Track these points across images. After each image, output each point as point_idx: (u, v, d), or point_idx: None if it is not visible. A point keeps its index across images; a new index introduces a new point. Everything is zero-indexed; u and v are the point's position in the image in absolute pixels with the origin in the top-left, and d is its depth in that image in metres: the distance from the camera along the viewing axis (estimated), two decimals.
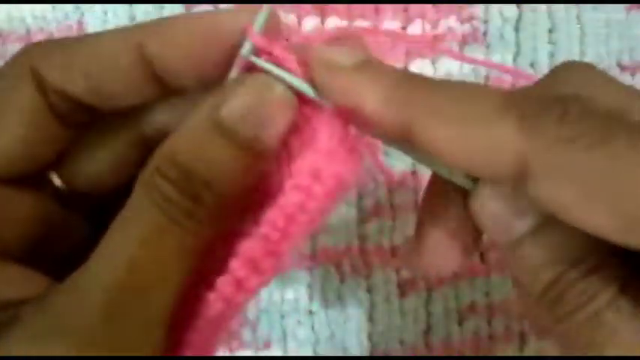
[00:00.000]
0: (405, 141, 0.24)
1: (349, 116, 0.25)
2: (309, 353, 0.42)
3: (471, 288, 0.44)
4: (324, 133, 0.26)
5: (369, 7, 0.42)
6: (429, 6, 0.42)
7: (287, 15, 0.40)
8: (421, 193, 0.44)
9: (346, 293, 0.43)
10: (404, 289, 0.43)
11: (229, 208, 0.25)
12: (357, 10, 0.42)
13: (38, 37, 0.44)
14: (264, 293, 0.42)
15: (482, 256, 0.44)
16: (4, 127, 0.26)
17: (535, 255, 0.24)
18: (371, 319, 0.43)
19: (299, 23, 0.42)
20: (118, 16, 0.44)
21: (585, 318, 0.23)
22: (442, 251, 0.27)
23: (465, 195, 0.26)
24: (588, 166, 0.20)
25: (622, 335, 0.22)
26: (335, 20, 0.42)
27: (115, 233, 0.24)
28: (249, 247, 0.26)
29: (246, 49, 0.26)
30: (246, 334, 0.42)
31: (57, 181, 0.30)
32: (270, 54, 0.26)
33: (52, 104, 0.27)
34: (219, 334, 0.27)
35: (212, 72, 0.27)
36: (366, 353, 0.42)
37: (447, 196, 0.27)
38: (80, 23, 0.44)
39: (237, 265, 0.26)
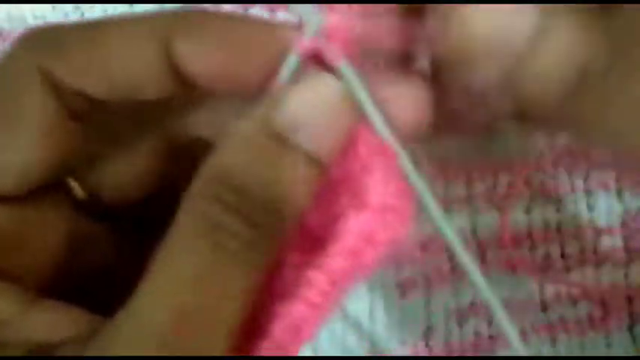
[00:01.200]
0: None
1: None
2: (308, 353, 0.42)
3: (471, 288, 0.44)
4: (379, 181, 0.23)
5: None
6: None
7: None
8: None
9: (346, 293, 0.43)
10: (404, 289, 0.43)
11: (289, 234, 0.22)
12: None
13: None
14: None
15: (482, 256, 0.44)
16: (16, 137, 0.23)
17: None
18: (371, 319, 0.43)
19: None
20: None
21: None
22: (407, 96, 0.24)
23: None
24: None
25: None
26: None
27: (162, 271, 0.21)
28: (293, 310, 0.23)
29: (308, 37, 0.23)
30: None
31: (78, 191, 0.27)
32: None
33: (67, 106, 0.24)
34: None
35: (246, 82, 0.23)
36: (366, 353, 0.42)
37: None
38: None
39: (279, 331, 0.23)
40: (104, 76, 0.23)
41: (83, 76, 0.23)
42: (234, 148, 0.21)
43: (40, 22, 0.44)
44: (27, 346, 0.22)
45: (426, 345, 0.43)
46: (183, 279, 0.20)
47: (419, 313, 0.43)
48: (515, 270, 0.44)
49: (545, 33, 0.21)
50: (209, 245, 0.20)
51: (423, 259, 0.44)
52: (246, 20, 0.24)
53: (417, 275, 0.43)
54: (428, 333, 0.43)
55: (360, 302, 0.43)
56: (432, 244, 0.44)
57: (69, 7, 0.44)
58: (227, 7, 0.43)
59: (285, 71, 0.23)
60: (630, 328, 0.44)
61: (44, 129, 0.23)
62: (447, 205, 0.45)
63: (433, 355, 0.43)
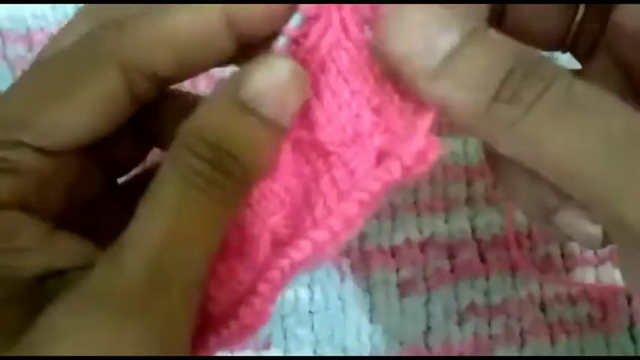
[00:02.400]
0: None
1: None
2: (309, 353, 0.42)
3: (471, 288, 0.44)
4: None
5: None
6: None
7: None
8: (421, 194, 0.44)
9: (346, 293, 0.43)
10: (404, 289, 0.43)
11: (255, 184, 0.27)
12: None
13: (38, 37, 0.44)
14: None
15: (482, 256, 0.44)
16: (79, 109, 0.27)
17: (473, 63, 0.25)
18: (371, 319, 0.43)
19: None
20: None
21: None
22: None
23: None
24: None
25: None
26: None
27: (149, 206, 0.25)
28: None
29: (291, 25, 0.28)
30: None
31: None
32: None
33: (134, 86, 0.28)
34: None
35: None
36: (366, 353, 0.42)
37: None
38: None
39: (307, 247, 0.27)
40: (170, 50, 0.27)
41: (151, 54, 0.27)
42: (207, 111, 0.26)
43: (39, 22, 0.44)
44: (44, 271, 0.26)
45: (426, 345, 0.43)
46: (167, 208, 0.24)
47: (419, 314, 0.43)
48: (515, 270, 0.44)
49: (464, 48, 0.24)
50: (187, 184, 0.25)
51: (423, 259, 0.44)
52: None
53: (417, 275, 0.43)
54: (427, 333, 0.43)
55: (360, 302, 0.43)
56: (432, 244, 0.44)
57: (69, 6, 0.44)
58: None
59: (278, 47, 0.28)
60: (630, 328, 0.44)
61: (109, 102, 0.27)
62: (447, 205, 0.45)
63: (433, 355, 0.43)
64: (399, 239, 0.44)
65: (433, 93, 0.25)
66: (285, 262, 0.27)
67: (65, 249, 0.27)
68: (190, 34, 0.27)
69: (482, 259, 0.44)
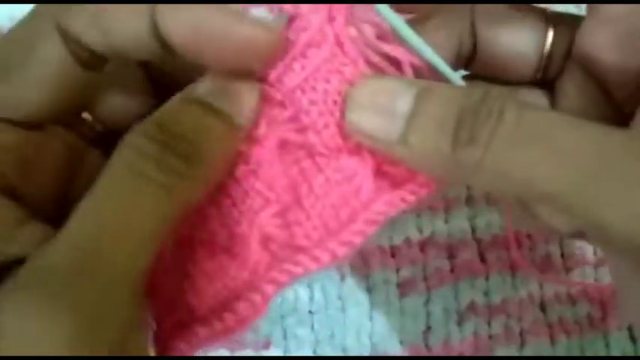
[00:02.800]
0: None
1: None
2: (309, 353, 0.42)
3: (471, 288, 0.44)
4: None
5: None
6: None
7: None
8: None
9: (346, 293, 0.43)
10: (404, 289, 0.43)
11: (210, 177, 0.27)
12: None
13: None
14: None
15: (481, 256, 0.44)
16: (32, 75, 0.28)
17: (428, 119, 0.27)
18: (371, 319, 0.43)
19: None
20: None
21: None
22: None
23: None
24: None
25: None
26: None
27: (93, 191, 0.25)
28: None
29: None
30: (246, 334, 0.42)
31: (88, 117, 0.32)
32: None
33: (73, 52, 0.28)
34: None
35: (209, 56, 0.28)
36: (365, 353, 0.43)
37: None
38: None
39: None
40: (103, 35, 0.28)
41: (88, 32, 0.28)
42: (170, 105, 0.27)
43: None
44: (5, 257, 0.26)
45: (426, 345, 0.43)
46: (105, 196, 0.25)
47: (418, 313, 0.43)
48: (515, 270, 0.44)
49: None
50: (132, 172, 0.25)
51: (423, 259, 0.44)
52: (223, 10, 0.28)
53: (416, 275, 0.43)
54: (427, 333, 0.43)
55: (360, 302, 0.43)
56: (432, 244, 0.44)
57: None
58: None
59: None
60: (630, 328, 0.44)
61: (56, 70, 0.28)
62: (447, 205, 0.45)
63: (432, 354, 0.43)
64: (399, 239, 0.44)
65: (403, 156, 0.27)
66: (298, 270, 0.28)
67: (33, 239, 0.27)
68: (117, 25, 0.28)
69: (482, 259, 0.44)
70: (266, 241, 0.29)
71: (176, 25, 0.27)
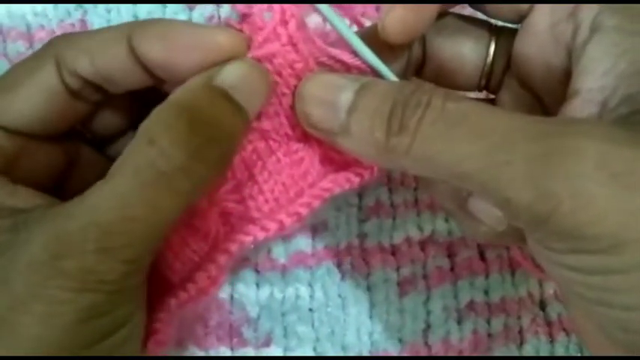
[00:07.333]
0: None
1: None
2: (309, 351, 0.42)
3: (470, 287, 0.44)
4: None
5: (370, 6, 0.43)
6: None
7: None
8: (421, 192, 0.44)
9: (346, 291, 0.43)
10: (404, 287, 0.43)
11: (226, 166, 0.30)
12: (358, 9, 0.42)
13: (39, 34, 0.44)
14: (265, 291, 0.42)
15: (481, 254, 0.44)
16: (26, 94, 0.31)
17: (365, 111, 0.29)
18: (371, 317, 0.43)
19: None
20: (121, 15, 0.44)
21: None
22: None
23: None
24: None
25: None
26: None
27: (115, 170, 0.27)
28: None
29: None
30: (247, 332, 0.42)
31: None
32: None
33: (66, 82, 0.31)
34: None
35: (182, 73, 0.30)
36: (366, 352, 0.43)
37: None
38: (83, 22, 0.44)
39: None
40: (90, 62, 0.31)
41: (76, 59, 0.31)
42: (186, 92, 0.29)
43: (40, 20, 0.44)
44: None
45: (425, 343, 0.43)
46: (128, 175, 0.27)
47: (418, 312, 0.43)
48: (514, 269, 0.44)
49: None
50: (146, 163, 0.27)
51: (423, 258, 0.44)
52: (187, 24, 0.32)
53: (417, 274, 0.44)
54: (427, 331, 0.43)
55: (360, 300, 0.43)
56: (432, 242, 0.44)
57: (71, 6, 0.44)
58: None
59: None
60: None
61: (46, 95, 0.31)
62: None
63: (432, 353, 0.43)
64: (399, 238, 0.44)
65: (344, 145, 0.30)
66: (248, 239, 0.31)
67: (27, 196, 0.30)
68: (101, 51, 0.31)
69: (482, 258, 0.44)
70: (225, 215, 0.32)
71: (148, 40, 0.30)
